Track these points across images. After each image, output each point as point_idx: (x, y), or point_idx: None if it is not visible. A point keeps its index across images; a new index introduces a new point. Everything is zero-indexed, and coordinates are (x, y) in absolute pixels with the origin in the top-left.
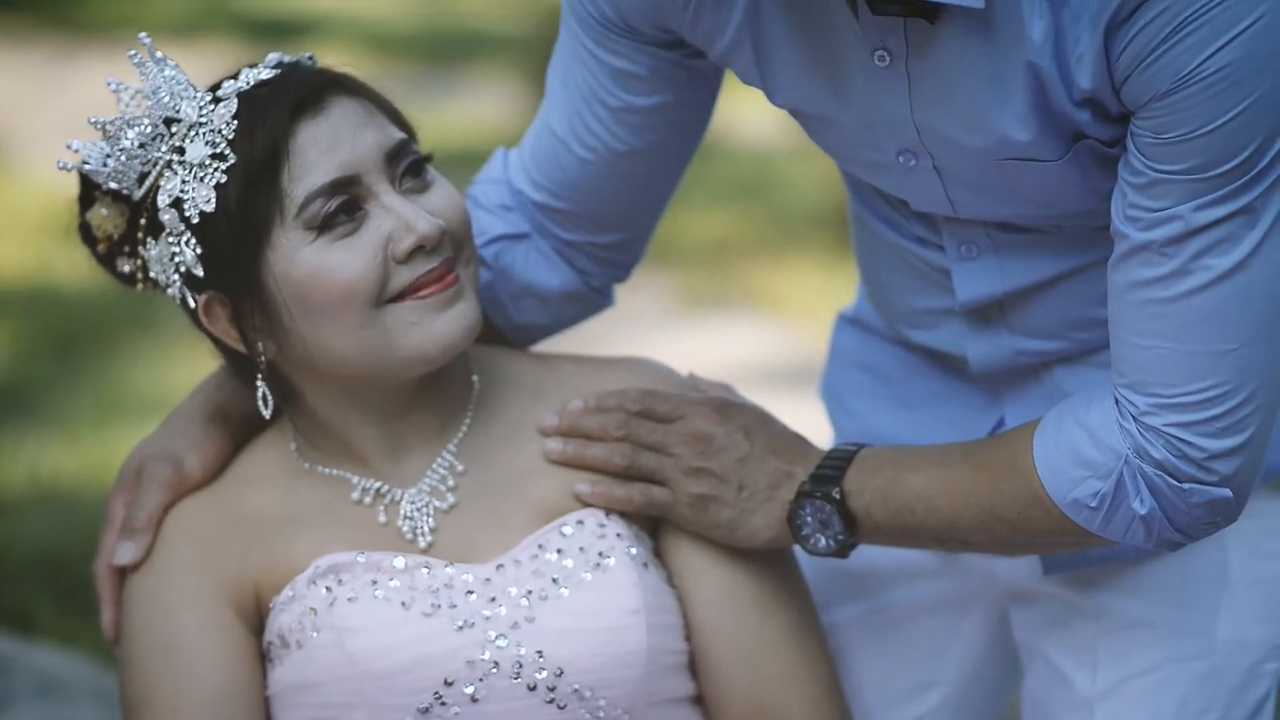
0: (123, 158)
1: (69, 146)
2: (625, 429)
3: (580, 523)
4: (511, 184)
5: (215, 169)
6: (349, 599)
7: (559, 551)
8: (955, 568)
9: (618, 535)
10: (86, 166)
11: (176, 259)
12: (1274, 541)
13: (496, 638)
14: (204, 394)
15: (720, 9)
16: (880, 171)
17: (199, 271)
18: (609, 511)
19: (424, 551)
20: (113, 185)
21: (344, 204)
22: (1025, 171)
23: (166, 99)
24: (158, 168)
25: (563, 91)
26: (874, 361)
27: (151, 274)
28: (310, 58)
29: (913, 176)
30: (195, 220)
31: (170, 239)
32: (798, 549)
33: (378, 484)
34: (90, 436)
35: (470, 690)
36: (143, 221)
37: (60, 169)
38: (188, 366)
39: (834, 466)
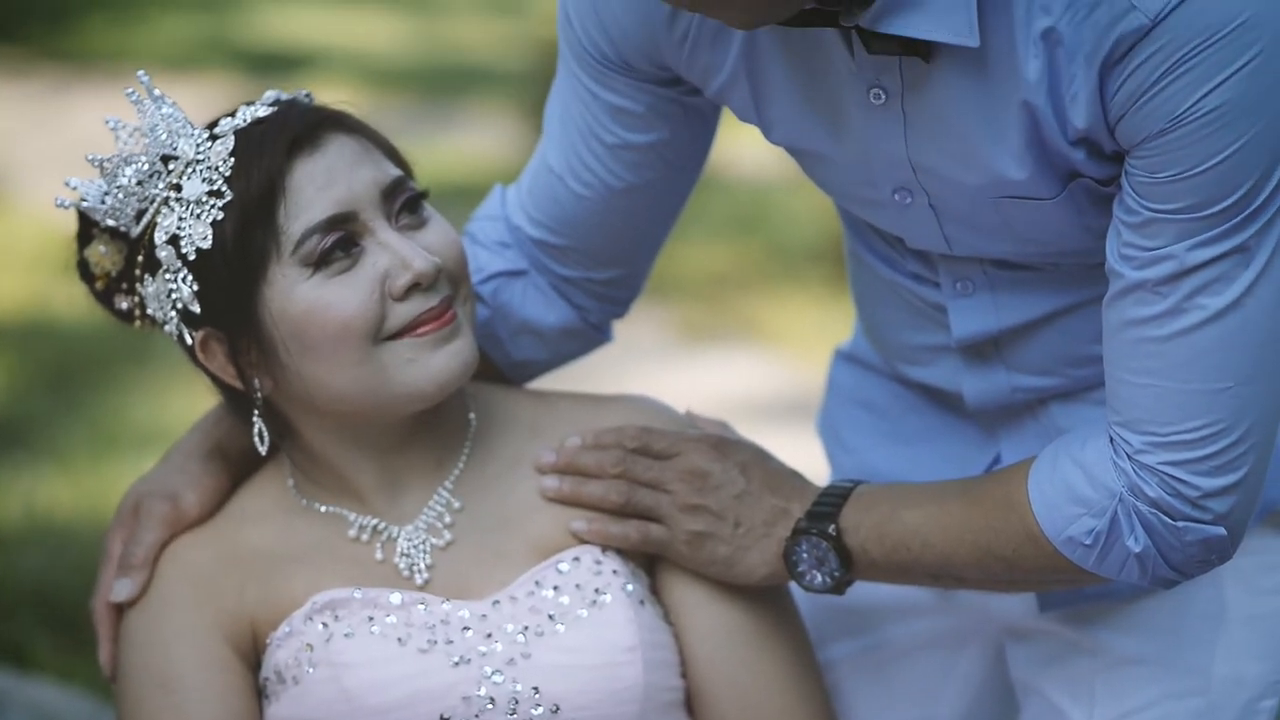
0: (120, 195)
1: (67, 184)
2: (622, 466)
3: (577, 559)
4: (509, 220)
5: (212, 206)
6: (345, 635)
7: (555, 588)
8: (951, 604)
9: (614, 572)
10: (84, 204)
11: (173, 296)
12: (1270, 578)
13: (493, 674)
14: (202, 430)
15: (716, 46)
16: (876, 209)
17: (196, 308)
18: (605, 548)
19: (421, 588)
20: (110, 222)
21: (340, 240)
22: (1021, 209)
23: (164, 136)
24: (155, 205)
25: (560, 128)
26: (870, 397)
27: (149, 311)
28: (308, 95)
29: (908, 214)
30: (192, 257)
31: (167, 276)
32: (794, 586)
33: (375, 521)
34: (86, 470)
35: None
36: (140, 258)
37: (58, 206)
38: (184, 400)
39: (830, 503)
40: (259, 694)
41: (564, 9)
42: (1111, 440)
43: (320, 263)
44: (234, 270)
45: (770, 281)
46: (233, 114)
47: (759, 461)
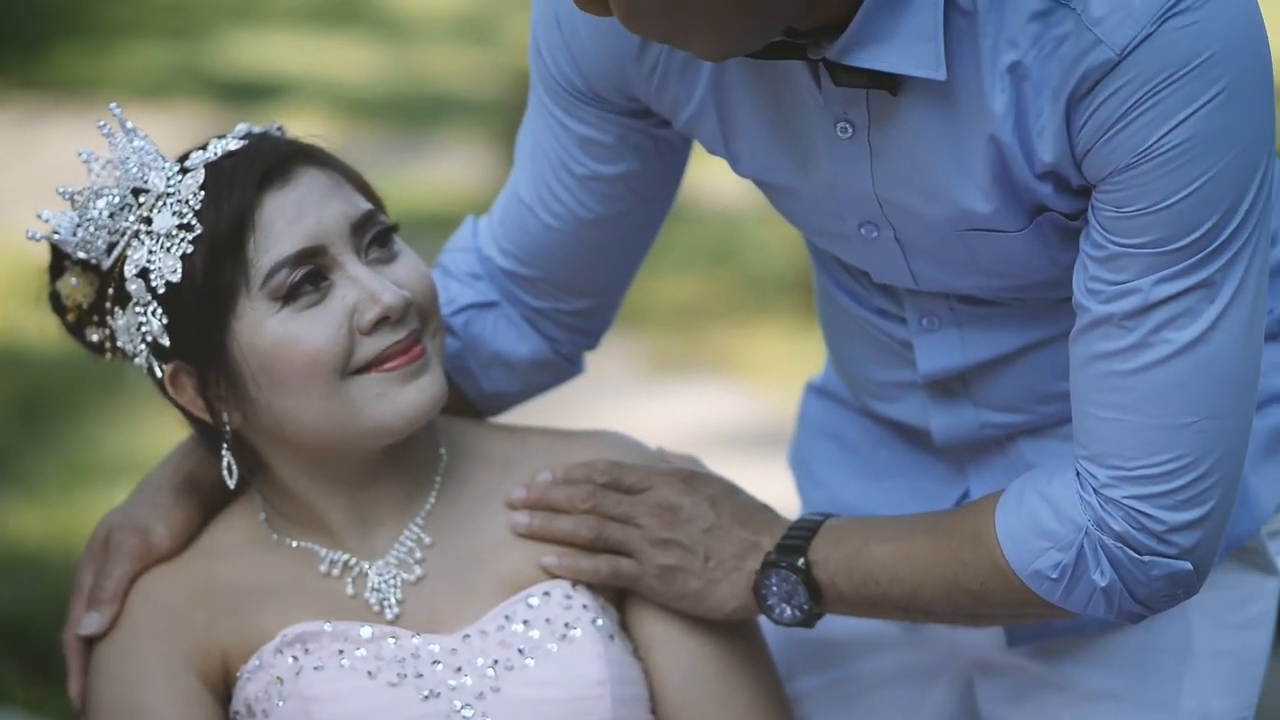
0: (91, 228)
1: (39, 216)
2: (592, 501)
3: (547, 594)
4: (480, 251)
5: (182, 239)
6: (315, 668)
7: (525, 622)
8: (920, 638)
9: (584, 606)
10: (56, 236)
11: (143, 329)
12: (1237, 614)
13: (462, 707)
14: (174, 463)
15: (685, 78)
16: (842, 242)
17: (165, 341)
18: (575, 583)
19: (391, 622)
20: (82, 255)
21: (309, 274)
22: (986, 243)
23: (135, 169)
24: (125, 238)
25: (530, 159)
26: (841, 431)
27: (119, 343)
28: (279, 129)
29: (874, 248)
30: (162, 290)
31: (137, 309)
32: (764, 619)
33: (345, 556)
34: (57, 500)
35: None
36: (111, 291)
37: (30, 239)
38: (155, 431)
39: (799, 536)
40: None
41: (534, 40)
42: (1078, 474)
43: (289, 296)
44: (203, 304)
45: (741, 312)
46: (204, 147)
47: (729, 495)
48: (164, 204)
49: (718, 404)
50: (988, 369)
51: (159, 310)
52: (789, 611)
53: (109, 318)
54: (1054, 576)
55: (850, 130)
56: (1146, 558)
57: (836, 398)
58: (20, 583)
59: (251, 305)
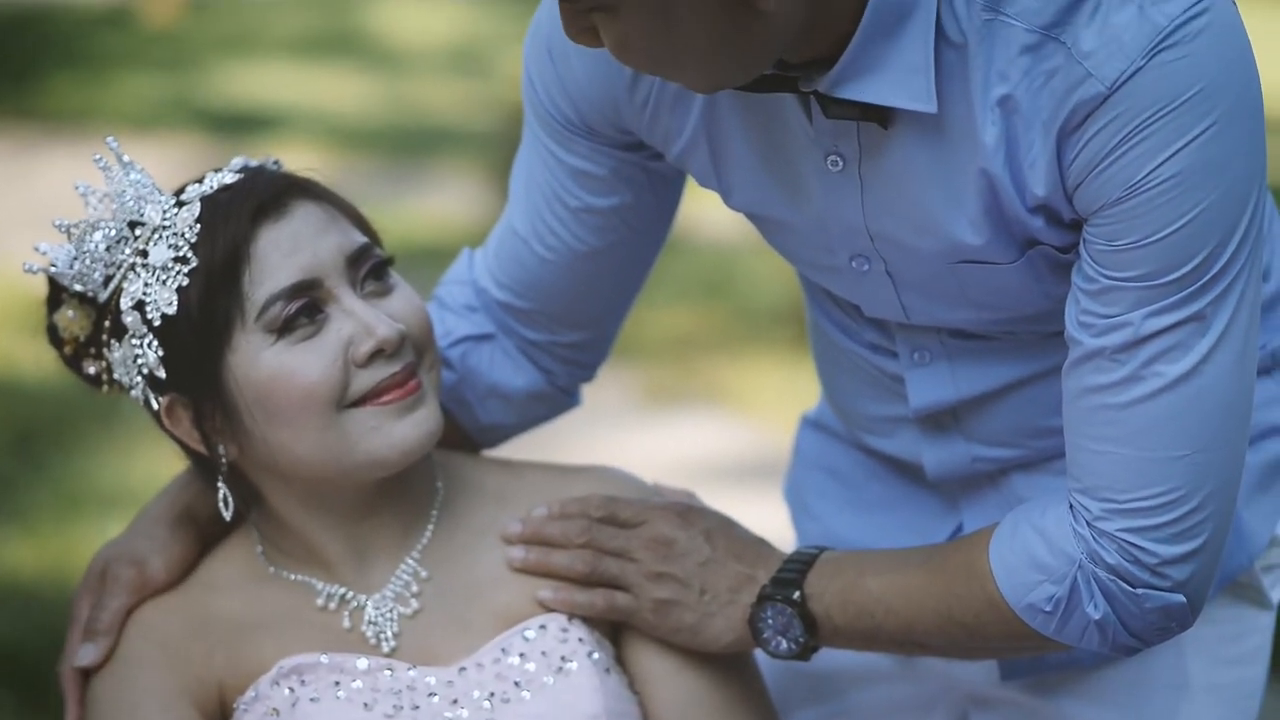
0: (88, 260)
1: (37, 249)
2: (588, 535)
3: (543, 627)
4: (476, 284)
5: (177, 272)
6: (311, 699)
7: (521, 655)
8: (915, 671)
9: (579, 640)
10: (53, 269)
11: (139, 361)
12: (1232, 648)
13: None
14: (171, 494)
15: (677, 110)
16: (833, 275)
17: (161, 374)
18: (571, 616)
19: (388, 655)
20: (78, 288)
21: (304, 306)
22: (978, 275)
23: (131, 203)
24: (122, 270)
25: (525, 191)
26: (834, 465)
27: (116, 376)
28: (275, 162)
29: (865, 281)
30: (157, 323)
31: (133, 341)
32: (759, 652)
33: (342, 589)
34: (51, 531)
35: None
36: (107, 324)
37: (27, 271)
38: (150, 462)
39: (794, 570)
40: None
41: (528, 72)
42: (1071, 507)
43: (284, 329)
44: (199, 336)
45: (735, 344)
46: (200, 180)
47: (724, 529)
48: (160, 237)
49: (713, 435)
50: (979, 403)
51: (155, 343)
52: (784, 644)
53: (105, 350)
54: (1048, 609)
55: (841, 163)
56: (1140, 591)
57: (831, 431)
58: (15, 613)
59: (246, 338)
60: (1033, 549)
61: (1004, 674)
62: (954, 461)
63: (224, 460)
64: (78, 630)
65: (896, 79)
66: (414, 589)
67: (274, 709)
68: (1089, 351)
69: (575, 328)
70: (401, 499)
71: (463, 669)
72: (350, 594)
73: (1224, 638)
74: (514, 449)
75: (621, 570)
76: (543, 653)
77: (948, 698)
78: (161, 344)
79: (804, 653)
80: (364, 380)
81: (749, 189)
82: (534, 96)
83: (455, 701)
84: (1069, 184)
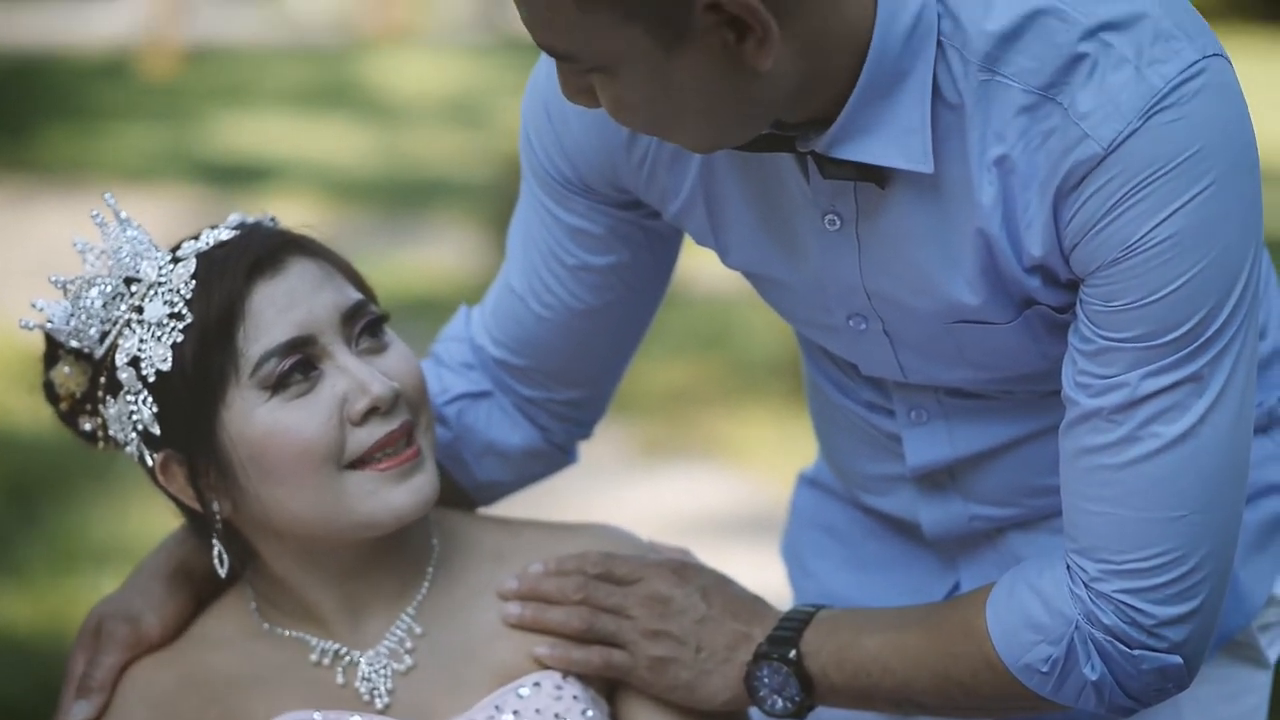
0: (84, 317)
1: (33, 305)
2: (584, 592)
3: (537, 684)
4: (473, 341)
5: (172, 328)
6: None
7: (515, 713)
8: None
9: (574, 697)
10: (49, 325)
11: (134, 417)
12: (1229, 707)
13: None
14: (167, 550)
15: (674, 169)
16: (831, 334)
17: (156, 430)
18: (566, 673)
19: (381, 712)
20: (74, 344)
21: (298, 363)
22: (975, 335)
23: (127, 259)
24: (118, 326)
25: (522, 249)
26: (832, 523)
27: (111, 432)
28: (271, 219)
29: (863, 340)
30: (152, 379)
31: (128, 397)
32: (755, 710)
33: (336, 646)
34: (46, 585)
35: None
36: (103, 380)
37: (23, 328)
38: (145, 516)
39: (791, 628)
40: None
41: (525, 131)
42: (1068, 567)
43: (278, 386)
44: (193, 393)
45: (732, 398)
46: (196, 236)
47: (720, 586)
48: (156, 293)
49: (709, 490)
50: (976, 462)
51: (150, 399)
52: (780, 703)
53: (101, 406)
54: (1044, 670)
55: (838, 222)
56: (1137, 652)
57: (828, 489)
58: (10, 668)
59: (241, 394)
60: (1030, 609)
61: None
62: (951, 520)
63: (218, 517)
64: (71, 687)
65: (893, 139)
66: (408, 645)
67: None
68: (1086, 412)
69: (572, 385)
70: (397, 556)
71: None
72: (344, 650)
73: (1221, 697)
74: (510, 503)
75: (618, 627)
76: (537, 710)
77: None
78: (156, 400)
79: (800, 711)
80: (360, 438)
81: (746, 248)
82: (531, 155)
83: None
84: (1066, 244)
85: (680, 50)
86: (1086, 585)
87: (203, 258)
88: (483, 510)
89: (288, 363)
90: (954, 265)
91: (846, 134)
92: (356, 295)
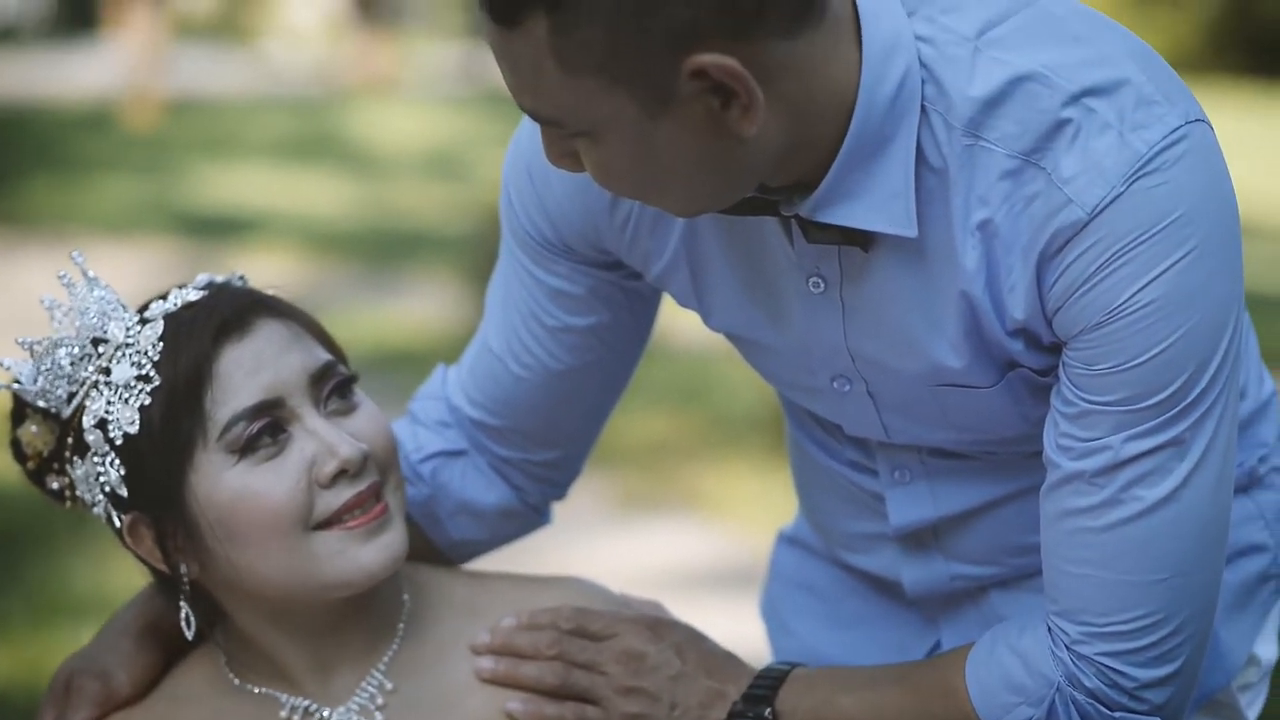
0: (51, 378)
1: (0, 364)
2: (557, 647)
3: None
4: (449, 401)
5: (140, 390)
6: None
7: None
8: None
9: None
10: (16, 386)
11: (101, 479)
12: None
13: None
14: (137, 606)
15: (657, 231)
16: (814, 396)
17: (123, 492)
18: None
19: None
20: (42, 404)
21: (267, 426)
22: (958, 398)
23: (95, 319)
24: (85, 387)
25: (501, 309)
26: (812, 581)
27: (78, 492)
28: (240, 277)
29: (846, 401)
30: (119, 442)
31: (95, 459)
32: None
33: (306, 702)
34: (25, 638)
35: None
36: (70, 440)
37: None
38: (123, 570)
39: (766, 686)
40: None
41: (506, 192)
42: (1049, 629)
43: (246, 449)
44: (160, 456)
45: (712, 451)
46: (164, 297)
47: (695, 643)
48: (123, 354)
49: (688, 542)
50: (959, 522)
51: (117, 461)
52: None
53: (68, 466)
54: None
55: (822, 285)
56: (1118, 714)
57: (807, 547)
58: None
59: (209, 458)
60: (1010, 671)
61: None
62: (933, 579)
63: (186, 579)
64: None
65: (877, 204)
66: (379, 701)
67: None
68: (1067, 475)
69: (549, 446)
70: (367, 613)
71: None
72: (315, 707)
73: None
74: (489, 553)
75: (591, 683)
76: None
77: None
78: (124, 463)
79: None
80: (328, 501)
81: (729, 310)
82: (513, 216)
83: None
84: (1048, 308)
85: (666, 116)
86: (1068, 647)
87: (170, 319)
88: None
89: (255, 426)
90: (938, 328)
91: (831, 198)
92: (325, 356)
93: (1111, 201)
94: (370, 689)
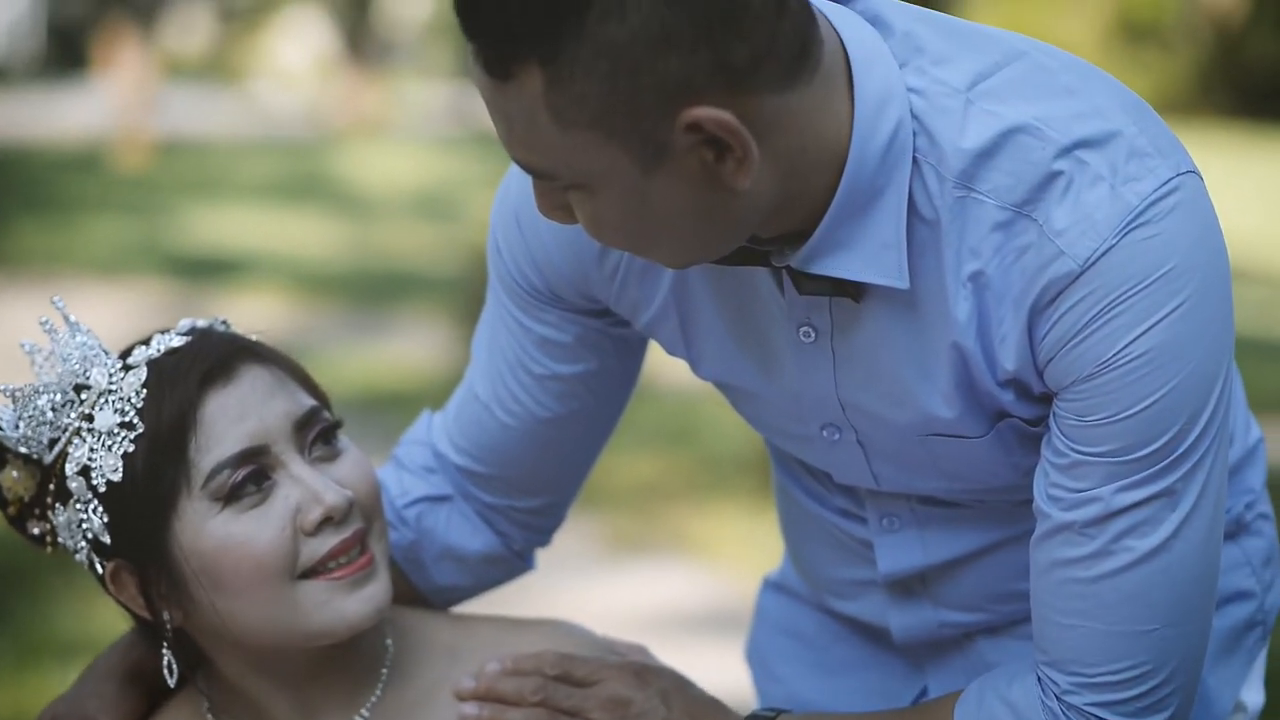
0: (33, 424)
1: None
2: (542, 693)
3: None
4: (435, 447)
5: (123, 438)
6: None
7: None
8: None
9: None
10: None
11: (84, 526)
12: None
13: None
14: (120, 650)
15: (646, 280)
16: (804, 444)
17: (106, 539)
18: None
19: None
20: (24, 450)
21: (251, 474)
22: (949, 447)
23: (77, 365)
24: (67, 434)
25: (487, 356)
26: (798, 627)
27: (60, 539)
28: (224, 322)
29: (836, 450)
30: (102, 489)
31: (78, 506)
32: None
33: None
34: (10, 680)
35: None
36: (52, 487)
37: None
38: (109, 610)
39: None
40: None
41: (494, 240)
42: (1039, 679)
43: (230, 497)
44: (144, 504)
45: (699, 493)
46: (147, 343)
47: (680, 689)
48: (106, 401)
49: (675, 584)
50: (948, 569)
51: (100, 508)
52: None
53: (50, 513)
54: None
55: (813, 335)
56: None
57: (793, 593)
58: None
59: (193, 505)
60: None
61: None
62: (921, 626)
63: (169, 627)
64: None
65: (869, 255)
66: None
67: None
68: (1058, 525)
69: (534, 493)
70: (351, 659)
71: None
72: None
73: None
74: (473, 603)
75: None
76: None
77: None
78: (107, 510)
79: None
80: (313, 548)
81: (719, 359)
82: (500, 264)
83: None
84: (1040, 359)
85: (659, 169)
86: (1058, 698)
87: (154, 365)
88: None
89: (240, 474)
90: (929, 379)
91: (822, 250)
92: (309, 402)
93: (1104, 254)
94: None
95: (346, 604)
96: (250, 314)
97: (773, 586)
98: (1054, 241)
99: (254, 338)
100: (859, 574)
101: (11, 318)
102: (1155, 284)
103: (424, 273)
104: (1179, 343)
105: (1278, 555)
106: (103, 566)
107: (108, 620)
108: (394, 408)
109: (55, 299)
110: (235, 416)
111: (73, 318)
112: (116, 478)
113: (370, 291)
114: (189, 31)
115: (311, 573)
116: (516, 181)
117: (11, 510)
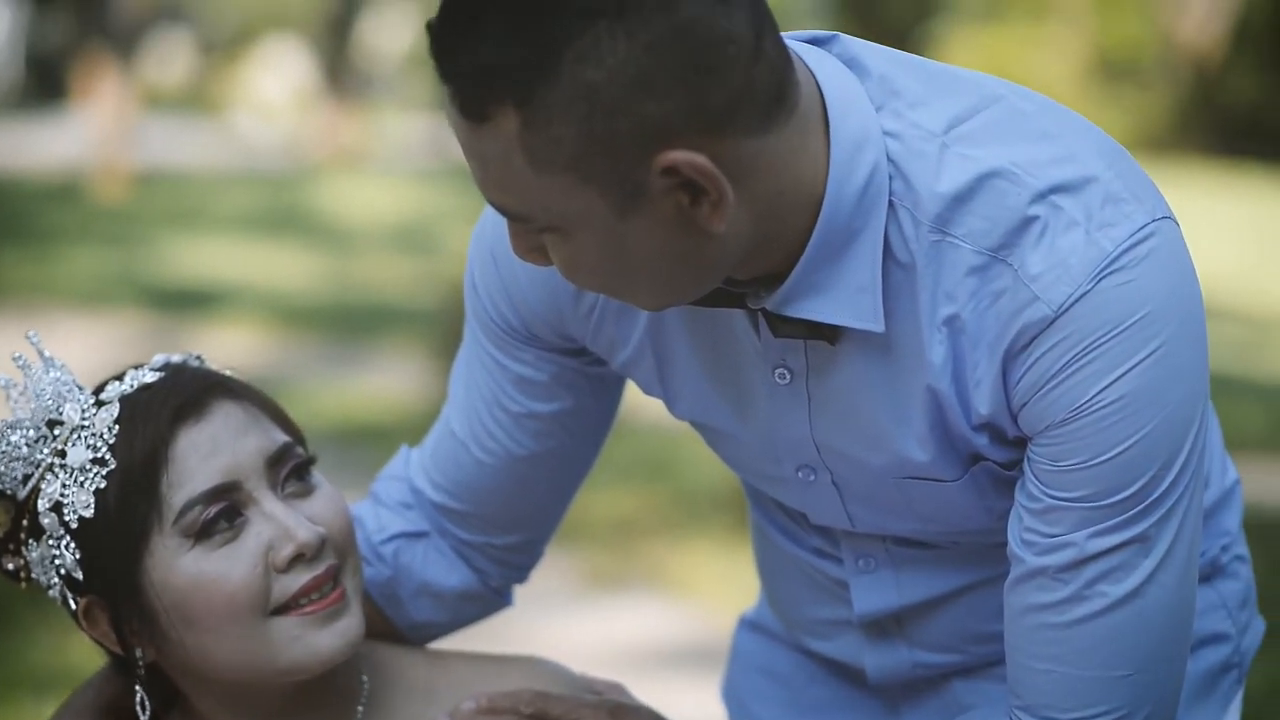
0: (6, 459)
1: None
2: None
3: None
4: (412, 483)
5: (96, 474)
6: None
7: None
8: None
9: None
10: None
11: (56, 562)
12: None
13: None
14: (95, 686)
15: (622, 320)
16: (779, 485)
17: (79, 575)
18: None
19: None
20: None
21: (223, 510)
22: (922, 490)
23: (50, 401)
24: (40, 470)
25: (464, 394)
26: (774, 666)
27: (34, 574)
28: (197, 358)
29: (811, 491)
30: (75, 525)
31: (50, 542)
32: None
33: None
34: None
35: None
36: (25, 523)
37: None
38: (85, 645)
39: None
40: None
41: (470, 278)
42: None
43: (202, 534)
44: (116, 540)
45: (676, 529)
46: (120, 377)
47: None
48: (78, 437)
49: (653, 620)
50: (922, 610)
51: (72, 544)
52: None
53: (24, 548)
54: None
55: (788, 377)
56: None
57: (769, 633)
58: None
59: (164, 542)
60: None
61: None
62: (896, 666)
63: (141, 663)
64: None
65: (844, 298)
66: None
67: None
68: (1032, 570)
69: (511, 530)
70: (326, 695)
71: None
72: None
73: None
74: (450, 639)
75: None
76: None
77: None
78: (79, 546)
79: None
80: (285, 584)
81: (694, 399)
82: (477, 302)
83: None
84: (1014, 404)
85: (635, 212)
86: None
87: (126, 401)
88: None
89: (212, 510)
90: (904, 422)
91: (798, 293)
92: (282, 438)
93: (1078, 299)
94: None
95: (319, 638)
96: (228, 346)
97: (749, 625)
98: (1029, 286)
99: (228, 373)
100: (834, 614)
101: None
102: (1129, 330)
103: (402, 306)
104: (1153, 389)
105: (1253, 597)
106: (76, 602)
107: (83, 654)
108: (371, 441)
109: (30, 334)
110: (207, 453)
111: (47, 353)
112: (89, 514)
113: (348, 324)
114: (168, 63)
115: (284, 609)
116: (493, 220)
117: None
